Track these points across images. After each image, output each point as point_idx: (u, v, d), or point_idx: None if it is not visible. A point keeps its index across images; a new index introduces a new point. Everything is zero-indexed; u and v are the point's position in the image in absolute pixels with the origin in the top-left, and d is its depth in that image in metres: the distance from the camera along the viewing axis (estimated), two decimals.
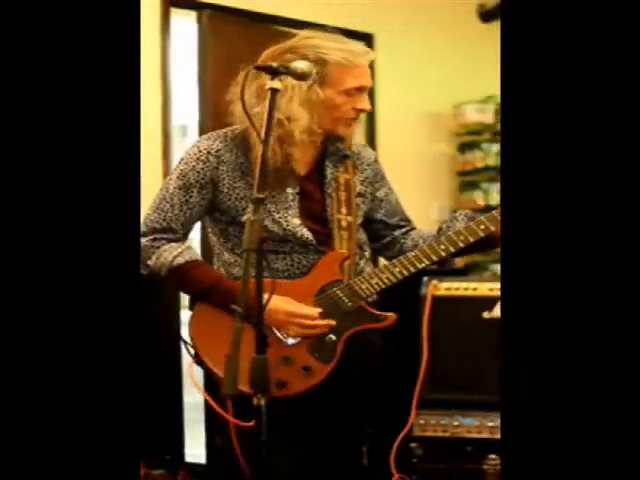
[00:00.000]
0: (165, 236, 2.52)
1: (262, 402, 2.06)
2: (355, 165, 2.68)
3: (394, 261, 2.53)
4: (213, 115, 4.59)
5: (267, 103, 2.17)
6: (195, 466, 4.07)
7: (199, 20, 4.70)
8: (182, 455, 4.05)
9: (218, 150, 2.53)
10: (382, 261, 2.76)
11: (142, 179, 2.62)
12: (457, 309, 2.74)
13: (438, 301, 2.73)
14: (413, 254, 2.52)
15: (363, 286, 2.52)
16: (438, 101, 5.90)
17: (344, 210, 2.59)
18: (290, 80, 2.38)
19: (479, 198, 5.81)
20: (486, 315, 2.70)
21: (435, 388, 2.65)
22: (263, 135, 2.15)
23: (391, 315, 2.52)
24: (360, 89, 2.53)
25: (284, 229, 2.50)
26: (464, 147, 5.94)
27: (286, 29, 4.96)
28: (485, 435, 2.64)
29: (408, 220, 2.80)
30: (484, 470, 2.62)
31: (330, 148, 2.63)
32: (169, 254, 2.50)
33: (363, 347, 2.54)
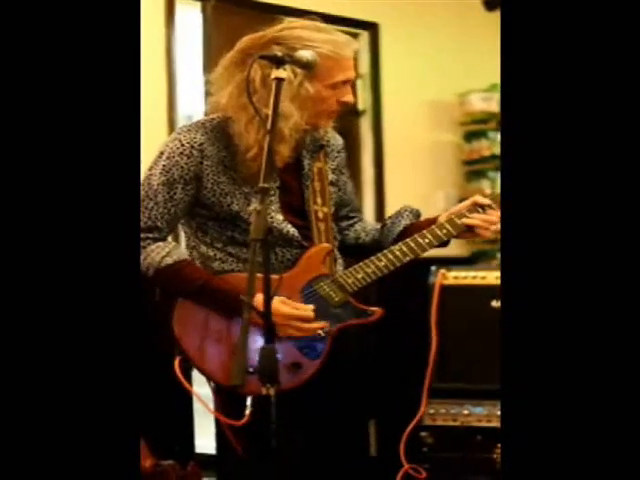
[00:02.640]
0: (151, 235, 2.43)
1: (271, 392, 2.06)
2: (326, 153, 2.61)
3: (379, 255, 2.49)
4: None
5: (273, 92, 2.15)
6: (205, 457, 4.08)
7: (203, 10, 4.70)
8: (192, 446, 4.06)
9: (202, 144, 2.43)
10: None
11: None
12: (465, 298, 2.74)
13: (446, 290, 2.72)
14: (398, 247, 2.48)
15: (349, 280, 2.48)
16: (443, 90, 5.88)
17: (319, 200, 2.54)
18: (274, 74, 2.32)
19: (486, 187, 5.79)
20: (494, 303, 2.70)
21: (445, 377, 2.65)
22: (269, 125, 2.14)
23: (377, 310, 2.49)
24: (345, 82, 2.45)
25: (269, 225, 2.44)
26: (470, 136, 5.92)
27: (290, 19, 4.95)
28: (495, 424, 2.64)
29: (358, 211, 2.76)
30: (494, 459, 2.62)
31: (306, 139, 2.54)
32: (157, 254, 2.41)
33: (353, 340, 2.52)
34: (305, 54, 2.24)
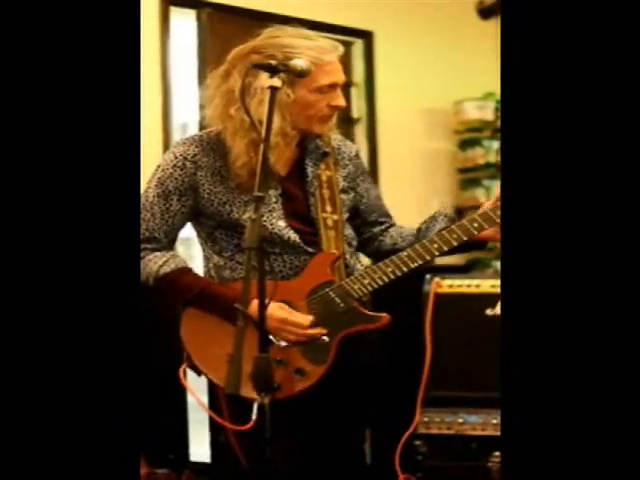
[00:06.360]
0: (149, 246, 2.48)
1: (266, 401, 2.06)
2: (336, 161, 2.62)
3: (386, 260, 2.48)
4: None
5: (266, 101, 2.18)
6: (199, 465, 4.08)
7: (198, 18, 4.70)
8: (187, 454, 4.06)
9: (195, 155, 2.48)
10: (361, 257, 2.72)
11: (143, 178, 2.63)
12: (460, 306, 2.73)
13: (441, 298, 2.72)
14: (405, 253, 2.47)
15: (355, 286, 2.47)
16: (438, 98, 5.89)
17: (329, 208, 2.54)
18: (257, 82, 2.36)
19: (480, 195, 5.80)
20: (489, 312, 2.70)
21: (439, 386, 2.65)
22: (264, 134, 2.15)
23: (384, 316, 2.47)
24: (332, 86, 2.46)
25: (270, 232, 2.45)
26: (465, 144, 5.93)
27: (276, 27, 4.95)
28: (489, 432, 2.63)
29: (388, 216, 2.75)
30: (489, 467, 2.62)
31: (309, 146, 2.57)
32: (154, 264, 2.46)
33: (360, 347, 2.52)
34: (299, 63, 2.26)
